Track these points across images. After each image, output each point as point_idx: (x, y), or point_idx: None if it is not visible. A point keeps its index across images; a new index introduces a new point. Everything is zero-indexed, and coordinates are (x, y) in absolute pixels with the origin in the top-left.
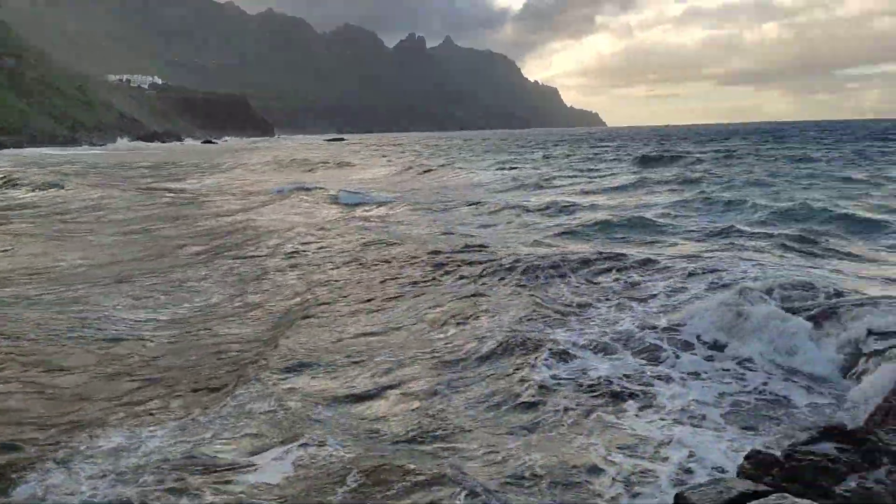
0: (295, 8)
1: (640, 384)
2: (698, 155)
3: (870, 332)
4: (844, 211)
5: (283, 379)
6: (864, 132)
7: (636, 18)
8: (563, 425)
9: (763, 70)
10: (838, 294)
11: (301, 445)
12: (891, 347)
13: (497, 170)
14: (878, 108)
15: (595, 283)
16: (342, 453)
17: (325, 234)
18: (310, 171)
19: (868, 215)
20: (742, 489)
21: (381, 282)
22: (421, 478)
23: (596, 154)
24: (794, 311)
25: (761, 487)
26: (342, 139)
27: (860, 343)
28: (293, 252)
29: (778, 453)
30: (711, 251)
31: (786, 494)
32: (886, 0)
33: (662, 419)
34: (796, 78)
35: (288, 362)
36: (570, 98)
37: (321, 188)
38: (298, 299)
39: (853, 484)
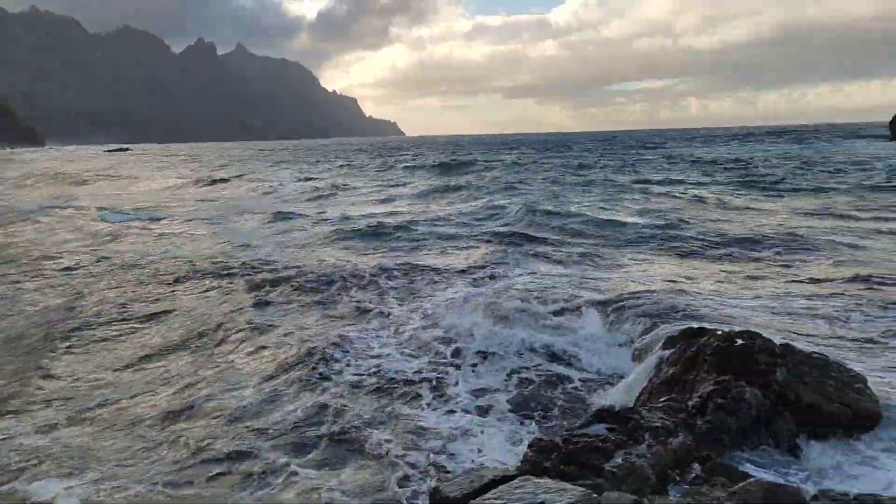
0: (64, 7)
1: (431, 378)
2: (488, 163)
3: (633, 324)
4: (608, 216)
5: (54, 410)
6: (630, 142)
7: (428, 32)
8: (361, 423)
9: (544, 84)
10: (600, 291)
11: (83, 484)
12: (651, 337)
13: (296, 181)
14: (641, 120)
15: (384, 289)
16: (124, 492)
17: (94, 252)
18: (82, 184)
19: (629, 219)
20: (492, 476)
21: (159, 298)
22: None
23: (394, 163)
24: (560, 311)
25: (510, 473)
26: (126, 149)
27: (626, 333)
28: (59, 271)
29: (558, 438)
30: (495, 254)
31: (529, 476)
32: (643, 24)
33: (453, 411)
34: (573, 92)
35: (58, 391)
36: (369, 108)
37: (90, 204)
38: (66, 322)
39: (620, 460)
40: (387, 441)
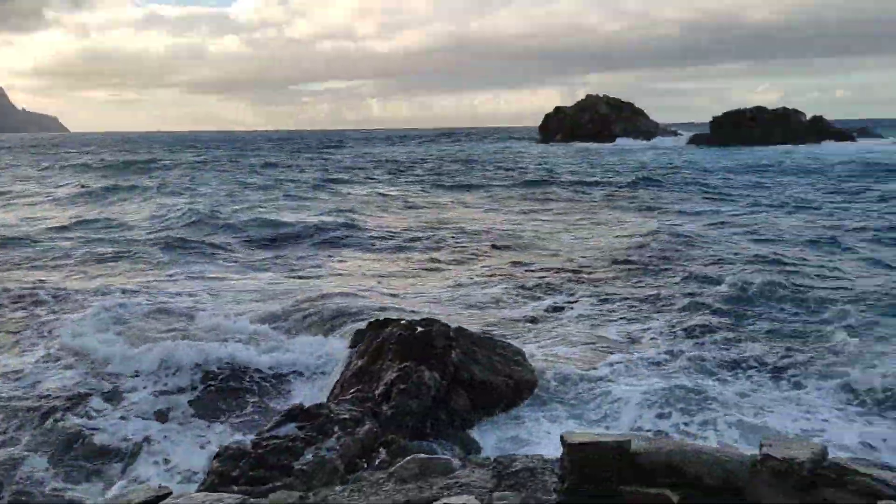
0: None
1: (100, 386)
2: (168, 162)
3: (326, 323)
4: (296, 217)
5: None
6: (317, 141)
7: (92, 18)
8: (20, 450)
9: (228, 80)
10: (288, 295)
11: None
12: (343, 334)
13: None
14: (327, 120)
15: (27, 304)
16: None
17: None
18: None
19: (318, 219)
20: (141, 500)
21: None
22: None
23: (53, 163)
24: (250, 318)
25: (163, 492)
26: None
27: (320, 333)
28: None
29: (247, 444)
30: (170, 263)
31: (183, 493)
32: (326, 26)
33: (125, 417)
34: (259, 90)
35: None
36: (23, 100)
37: None
38: None
39: (310, 456)
40: (46, 470)
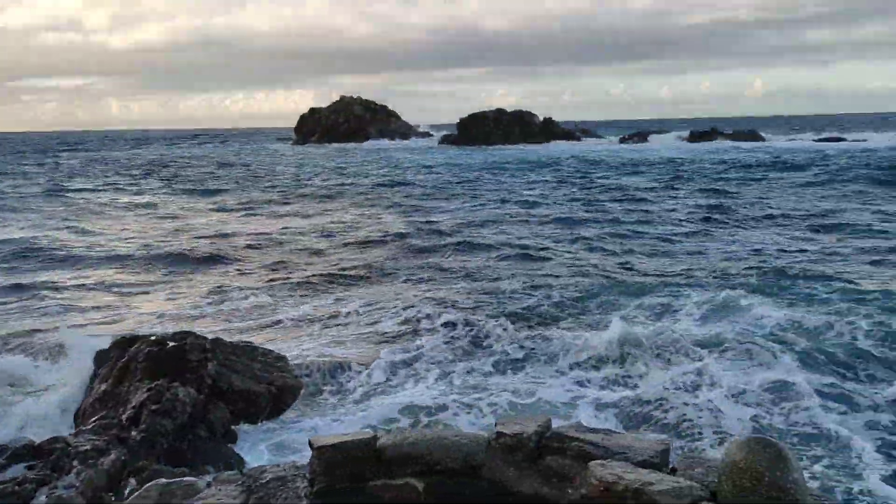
0: None
1: None
2: None
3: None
4: (18, 234)
5: None
6: (45, 144)
7: None
8: None
9: None
10: None
11: None
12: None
13: None
14: (56, 121)
15: None
16: None
17: None
18: None
19: (37, 233)
20: None
21: None
22: None
23: None
24: None
25: None
26: None
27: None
28: None
29: None
30: None
31: None
32: (49, 17)
33: None
34: None
35: None
36: None
37: None
38: None
39: (43, 498)
40: None
